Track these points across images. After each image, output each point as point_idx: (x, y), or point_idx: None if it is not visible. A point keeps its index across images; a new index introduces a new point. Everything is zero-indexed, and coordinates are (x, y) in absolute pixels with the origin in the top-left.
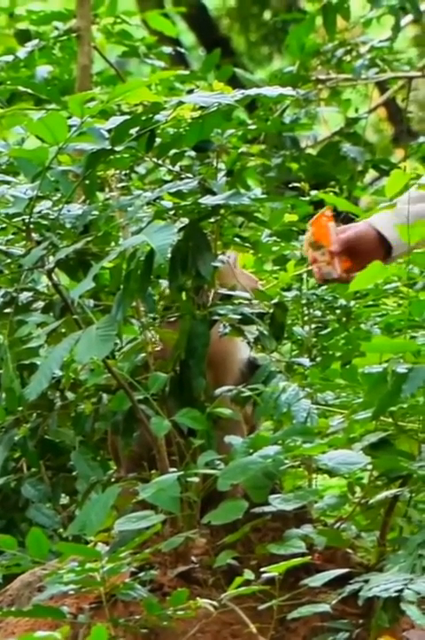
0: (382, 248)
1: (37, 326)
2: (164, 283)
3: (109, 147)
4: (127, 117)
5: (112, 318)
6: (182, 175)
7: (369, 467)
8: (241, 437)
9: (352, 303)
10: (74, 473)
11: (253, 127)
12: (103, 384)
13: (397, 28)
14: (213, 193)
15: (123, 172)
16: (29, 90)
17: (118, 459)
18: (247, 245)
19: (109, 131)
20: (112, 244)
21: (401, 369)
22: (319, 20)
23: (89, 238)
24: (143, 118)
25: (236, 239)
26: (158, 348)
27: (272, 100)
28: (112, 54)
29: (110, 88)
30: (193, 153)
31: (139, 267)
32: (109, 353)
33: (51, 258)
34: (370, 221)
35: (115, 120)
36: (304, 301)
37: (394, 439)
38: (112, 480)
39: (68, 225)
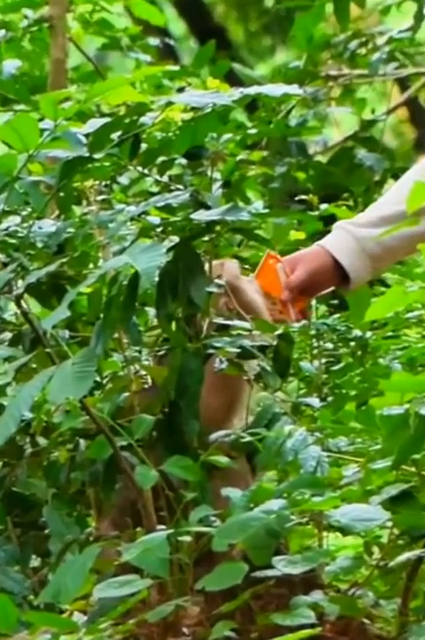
0: (337, 275)
1: (4, 361)
2: (151, 311)
3: (87, 154)
4: (108, 120)
5: (90, 352)
6: (172, 187)
7: (389, 524)
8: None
9: (369, 334)
10: (47, 531)
11: (253, 131)
12: (80, 428)
13: (420, 17)
14: (208, 207)
15: (103, 183)
16: None
17: (100, 513)
18: (246, 267)
19: (87, 136)
20: (91, 266)
21: None
22: (329, 8)
23: (64, 260)
24: (127, 121)
25: None
26: (144, 386)
27: (275, 100)
28: (91, 47)
29: (88, 86)
30: (184, 161)
31: (122, 293)
32: (87, 392)
33: (20, 282)
34: (325, 244)
35: (94, 124)
36: (313, 332)
37: (418, 491)
38: (91, 538)
39: (40, 244)
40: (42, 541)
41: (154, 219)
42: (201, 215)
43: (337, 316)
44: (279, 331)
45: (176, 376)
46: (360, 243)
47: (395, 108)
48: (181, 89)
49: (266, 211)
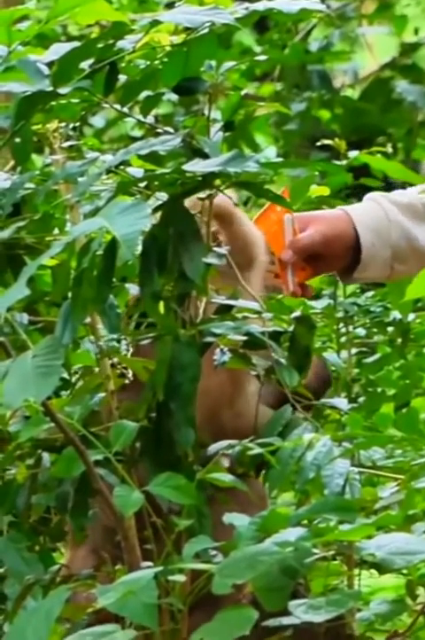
0: (349, 255)
1: None
2: (133, 288)
3: (50, 88)
4: (77, 44)
5: (55, 341)
6: (159, 130)
7: None
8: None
9: (412, 317)
10: (2, 570)
11: (263, 57)
12: (42, 438)
13: None
14: (205, 156)
15: (71, 125)
16: None
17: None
18: None
19: (50, 65)
20: (56, 231)
21: None
22: None
23: (22, 224)
24: (101, 45)
25: None
26: (125, 383)
27: (291, 18)
28: None
29: (51, 0)
30: (174, 97)
31: (95, 265)
32: (52, 392)
33: None
34: (350, 211)
35: (59, 49)
36: (340, 314)
37: None
38: (58, 578)
39: None
40: None
41: (136, 171)
42: (196, 166)
43: (371, 293)
44: (296, 314)
45: (165, 371)
46: (390, 227)
47: None
48: (169, 5)
49: (280, 160)
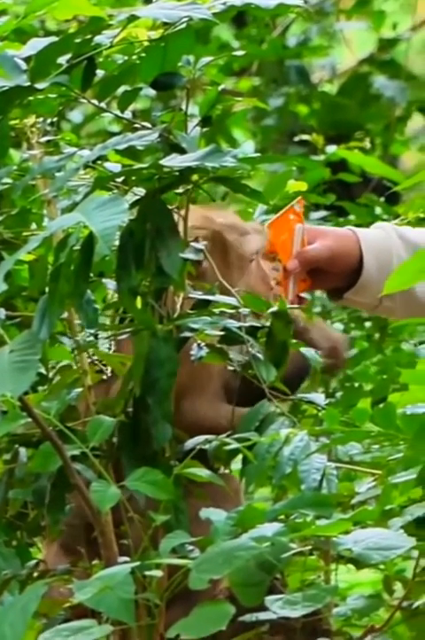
0: (348, 276)
1: None
2: (110, 284)
3: (27, 84)
4: (54, 39)
5: (32, 336)
6: (136, 125)
7: (414, 554)
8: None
9: None
10: None
11: (241, 52)
12: (19, 433)
13: None
14: (182, 151)
15: (49, 120)
16: None
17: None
18: None
19: (27, 60)
20: (33, 226)
21: None
22: None
23: None
24: (78, 40)
25: None
26: (103, 378)
27: (269, 13)
28: None
29: None
30: (152, 92)
31: (72, 260)
32: (29, 387)
33: None
34: (358, 232)
35: (36, 44)
36: (317, 309)
37: None
38: (36, 573)
39: None
40: None
41: (114, 166)
42: (173, 161)
43: None
44: (273, 309)
45: (143, 366)
46: (392, 260)
47: (423, 23)
48: (147, 0)
49: (258, 155)
